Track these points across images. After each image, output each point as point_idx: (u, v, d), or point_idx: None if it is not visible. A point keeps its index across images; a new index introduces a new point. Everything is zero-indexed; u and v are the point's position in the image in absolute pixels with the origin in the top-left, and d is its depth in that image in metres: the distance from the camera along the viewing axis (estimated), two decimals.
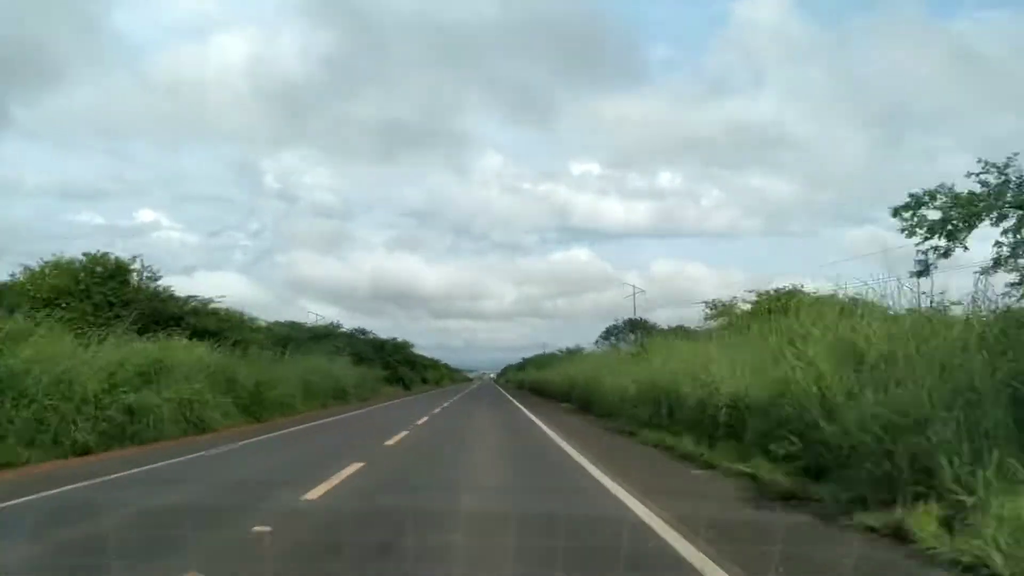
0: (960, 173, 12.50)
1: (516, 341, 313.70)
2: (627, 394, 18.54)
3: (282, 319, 45.50)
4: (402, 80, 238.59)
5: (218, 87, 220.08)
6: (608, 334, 56.22)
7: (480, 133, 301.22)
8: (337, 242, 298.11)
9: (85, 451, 12.72)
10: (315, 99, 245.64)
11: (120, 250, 36.85)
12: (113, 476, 10.08)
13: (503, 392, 62.59)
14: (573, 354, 56.64)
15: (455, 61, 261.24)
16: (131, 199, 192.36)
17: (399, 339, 77.11)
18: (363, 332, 61.42)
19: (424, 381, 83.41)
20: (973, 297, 8.10)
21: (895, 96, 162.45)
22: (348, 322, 78.59)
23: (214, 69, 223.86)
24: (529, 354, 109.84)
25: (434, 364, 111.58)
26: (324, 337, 45.04)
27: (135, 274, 24.34)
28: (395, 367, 63.39)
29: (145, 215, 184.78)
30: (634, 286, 61.02)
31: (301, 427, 19.96)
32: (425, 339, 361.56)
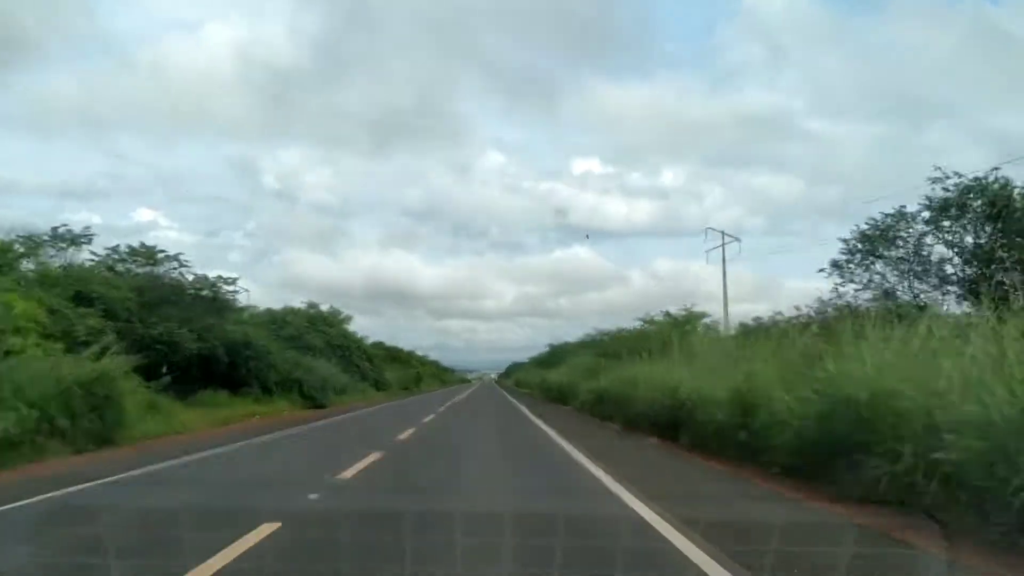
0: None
1: (517, 342, 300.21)
2: None
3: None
4: (402, 77, 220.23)
5: (215, 82, 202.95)
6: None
7: (481, 129, 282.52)
8: (335, 240, 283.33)
9: None
10: (314, 95, 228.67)
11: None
12: None
13: (532, 418, 24.44)
14: (681, 327, 26.35)
15: (455, 55, 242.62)
16: (127, 197, 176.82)
17: (326, 309, 51.08)
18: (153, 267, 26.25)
19: (378, 387, 54.57)
20: None
21: (901, 89, 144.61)
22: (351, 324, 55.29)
23: (210, 64, 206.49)
24: (531, 354, 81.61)
25: (407, 358, 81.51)
26: None
27: None
28: (267, 366, 29.87)
29: (142, 214, 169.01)
30: (723, 232, 40.63)
31: None
32: (425, 339, 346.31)
